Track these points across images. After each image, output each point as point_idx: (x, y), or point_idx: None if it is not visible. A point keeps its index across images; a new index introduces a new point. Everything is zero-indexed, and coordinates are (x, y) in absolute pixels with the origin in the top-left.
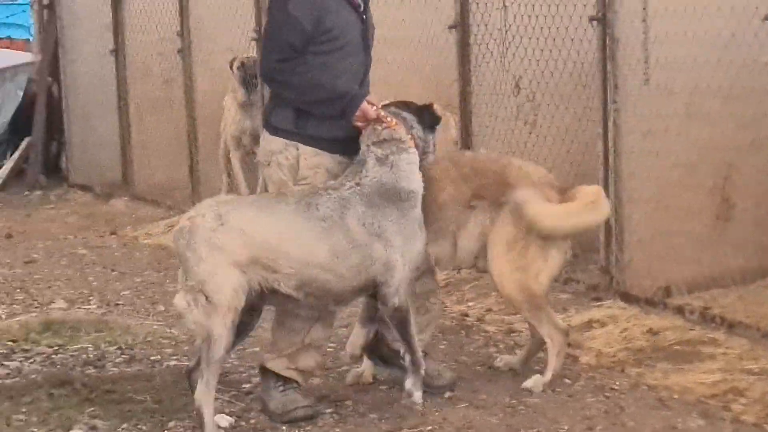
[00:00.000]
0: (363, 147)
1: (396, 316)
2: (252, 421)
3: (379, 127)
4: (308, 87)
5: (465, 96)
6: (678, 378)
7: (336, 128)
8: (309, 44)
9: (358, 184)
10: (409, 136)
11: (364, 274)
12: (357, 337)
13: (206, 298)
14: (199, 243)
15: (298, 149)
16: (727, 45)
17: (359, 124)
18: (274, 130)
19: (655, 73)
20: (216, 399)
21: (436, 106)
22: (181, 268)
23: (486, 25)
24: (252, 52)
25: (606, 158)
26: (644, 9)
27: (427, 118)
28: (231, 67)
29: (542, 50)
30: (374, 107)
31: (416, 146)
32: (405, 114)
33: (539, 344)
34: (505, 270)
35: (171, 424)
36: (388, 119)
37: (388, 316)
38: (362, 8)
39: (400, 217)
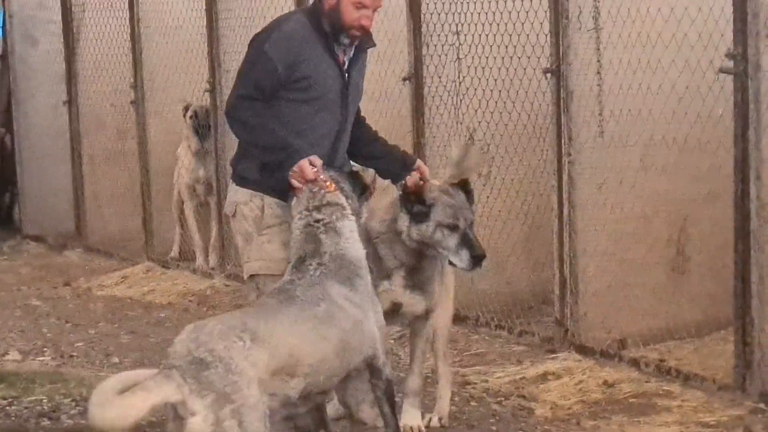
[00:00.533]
0: (301, 212)
1: (388, 389)
2: None
3: (318, 191)
4: (258, 130)
5: (419, 148)
6: (634, 431)
7: None
8: (280, 89)
9: (321, 264)
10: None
11: (360, 355)
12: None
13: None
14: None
15: (263, 200)
16: (681, 98)
17: (295, 182)
18: (240, 181)
19: (609, 125)
20: None
21: (362, 173)
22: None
23: (440, 77)
24: (206, 102)
25: (561, 210)
26: (598, 62)
27: (358, 186)
28: (184, 115)
29: (496, 102)
30: (314, 169)
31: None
32: (344, 184)
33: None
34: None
35: None
36: (327, 183)
37: (381, 392)
38: (346, 66)
39: (365, 286)
